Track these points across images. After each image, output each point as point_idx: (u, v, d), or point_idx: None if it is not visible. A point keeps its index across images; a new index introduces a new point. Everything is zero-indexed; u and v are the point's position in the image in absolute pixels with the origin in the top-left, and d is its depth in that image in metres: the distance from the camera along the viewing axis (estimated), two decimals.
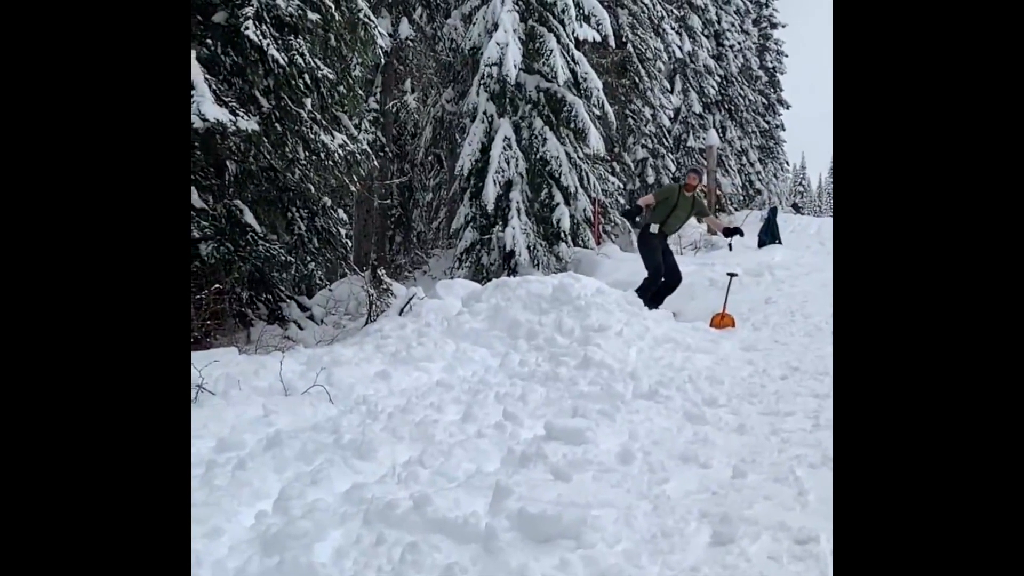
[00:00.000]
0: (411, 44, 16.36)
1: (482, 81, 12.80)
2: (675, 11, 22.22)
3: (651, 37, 17.89)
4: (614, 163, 16.80)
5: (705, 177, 8.53)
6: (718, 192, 20.48)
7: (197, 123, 6.04)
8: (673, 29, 20.93)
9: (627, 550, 2.46)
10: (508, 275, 11.40)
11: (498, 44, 12.43)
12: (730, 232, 8.71)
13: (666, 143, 21.07)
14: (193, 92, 6.08)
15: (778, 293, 8.63)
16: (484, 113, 13.10)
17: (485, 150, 13.07)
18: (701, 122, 24.11)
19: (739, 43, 28.55)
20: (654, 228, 8.32)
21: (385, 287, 8.69)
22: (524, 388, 4.65)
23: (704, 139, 21.68)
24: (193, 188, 7.11)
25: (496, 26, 12.62)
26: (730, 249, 10.18)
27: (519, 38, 12.68)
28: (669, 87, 22.26)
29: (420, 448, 3.51)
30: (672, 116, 22.27)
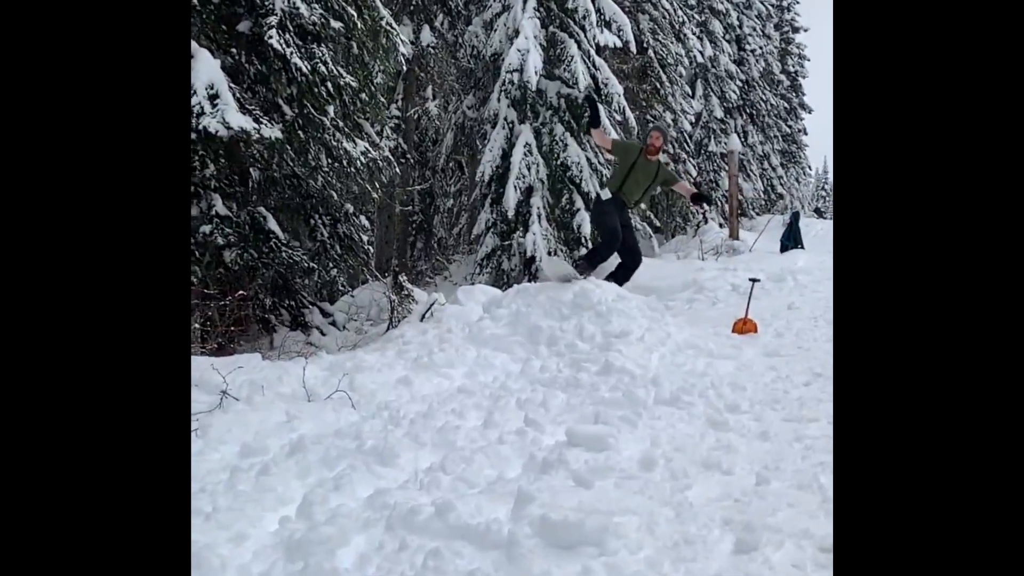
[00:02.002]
0: (433, 51, 16.45)
1: (503, 87, 12.84)
2: (696, 16, 22.14)
3: (672, 42, 17.84)
4: None
5: (667, 138, 7.57)
6: (740, 197, 20.36)
7: (221, 131, 6.12)
8: (694, 34, 20.84)
9: (649, 557, 2.45)
10: (529, 281, 11.40)
11: (519, 51, 12.46)
12: (698, 199, 7.74)
13: (687, 148, 20.99)
14: (217, 101, 6.17)
15: (801, 298, 8.56)
16: (505, 119, 13.13)
17: (506, 156, 13.09)
18: (722, 127, 23.98)
19: (761, 47, 28.39)
20: (606, 194, 7.06)
21: (406, 293, 8.74)
22: (545, 394, 4.64)
23: (725, 144, 21.56)
24: (217, 195, 7.21)
25: (517, 32, 12.66)
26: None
27: (540, 44, 12.70)
28: (690, 92, 22.17)
29: (442, 454, 3.52)
30: (693, 121, 22.16)
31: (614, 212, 6.95)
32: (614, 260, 7.29)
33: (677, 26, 18.14)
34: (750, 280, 7.99)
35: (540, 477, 3.20)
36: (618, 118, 13.77)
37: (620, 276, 7.23)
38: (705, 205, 7.87)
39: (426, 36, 16.03)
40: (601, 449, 3.51)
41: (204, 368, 4.60)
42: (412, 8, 16.01)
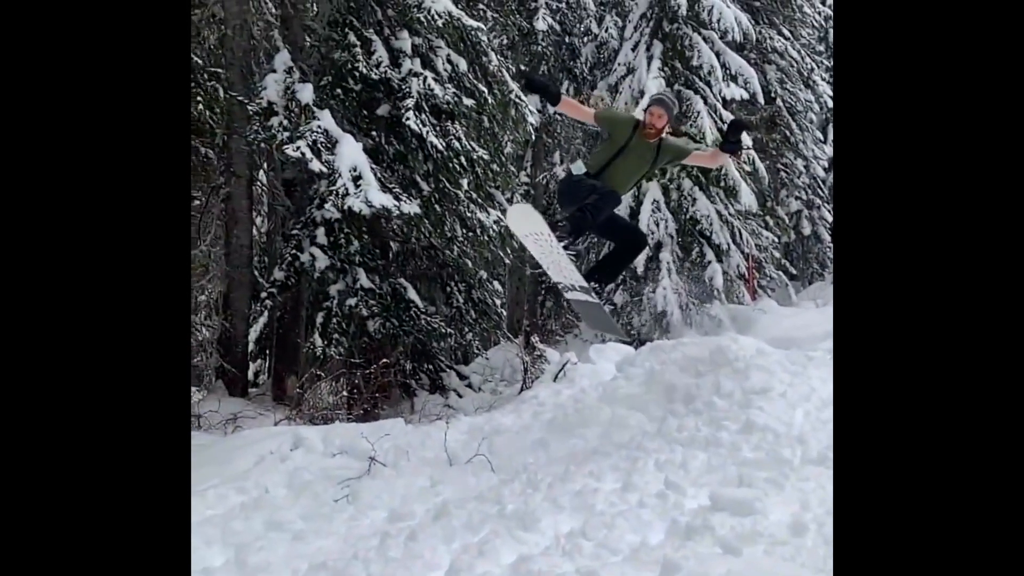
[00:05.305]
0: (559, 117, 16.86)
1: None
2: (825, 61, 21.59)
3: (800, 90, 17.47)
4: (767, 217, 16.37)
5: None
6: None
7: (364, 210, 6.57)
8: (824, 79, 20.32)
9: None
10: (660, 336, 11.27)
11: (644, 111, 12.58)
12: (736, 129, 5.16)
13: (821, 193, 20.28)
14: (360, 181, 6.63)
15: None
16: None
17: (633, 214, 13.15)
18: None
19: None
20: (578, 168, 4.99)
21: (538, 353, 8.86)
22: (684, 454, 4.55)
23: None
24: (361, 270, 7.69)
25: (642, 93, 12.80)
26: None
27: None
28: (822, 137, 21.51)
29: (582, 519, 3.52)
30: (826, 166, 21.43)
31: (582, 197, 4.78)
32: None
33: (806, 73, 17.77)
34: None
35: (685, 544, 3.14)
36: (747, 169, 13.57)
37: (622, 255, 5.44)
38: (743, 137, 4.66)
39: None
40: (747, 513, 3.41)
41: (354, 436, 4.85)
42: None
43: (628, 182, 5.12)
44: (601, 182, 4.85)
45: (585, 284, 5.03)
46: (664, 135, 5.04)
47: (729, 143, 5.04)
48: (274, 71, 8.40)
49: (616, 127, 5.08)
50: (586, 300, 5.27)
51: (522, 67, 13.91)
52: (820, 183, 20.48)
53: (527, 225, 4.89)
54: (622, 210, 13.32)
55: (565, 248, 4.76)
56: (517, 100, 8.57)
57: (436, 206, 7.94)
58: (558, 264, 4.97)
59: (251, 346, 10.91)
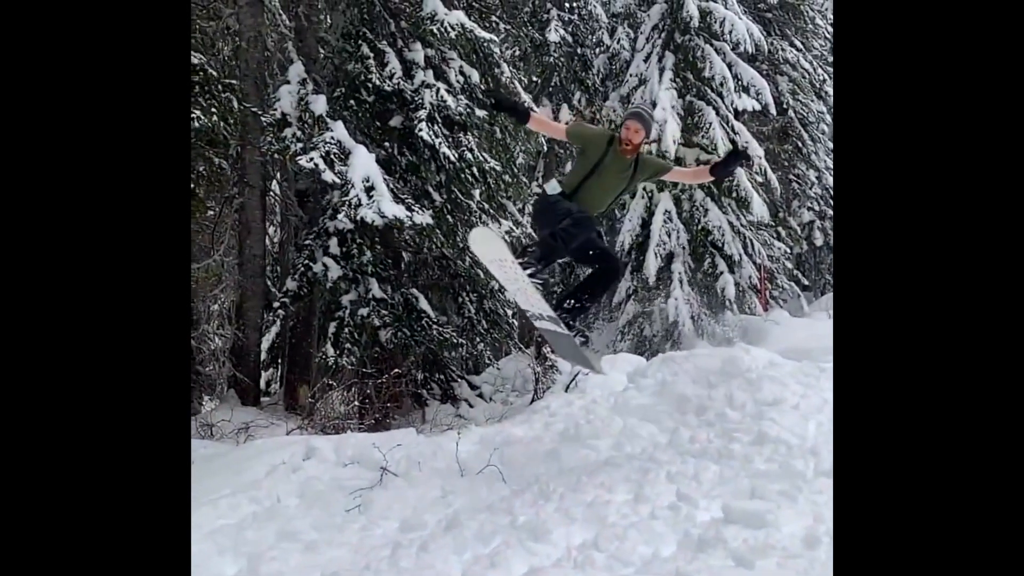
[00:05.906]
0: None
1: None
2: None
3: (813, 101, 17.45)
4: (779, 228, 16.34)
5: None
6: None
7: (377, 220, 6.61)
8: None
9: None
10: (671, 347, 11.26)
11: (657, 122, 12.62)
12: (735, 158, 5.10)
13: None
14: (373, 192, 6.68)
15: None
16: (644, 189, 13.25)
17: (645, 224, 13.18)
18: None
19: None
20: (552, 187, 4.79)
21: (550, 363, 8.86)
22: (696, 466, 4.53)
23: None
24: (373, 280, 7.73)
25: (654, 104, 12.84)
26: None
27: (677, 114, 12.82)
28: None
29: (594, 530, 3.51)
30: None
31: (556, 220, 4.60)
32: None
33: (817, 84, 17.75)
34: None
35: (697, 556, 3.13)
36: (759, 180, 13.56)
37: (599, 282, 5.14)
38: (743, 161, 4.32)
39: (564, 114, 16.52)
40: (760, 526, 3.39)
41: (366, 446, 4.86)
42: (551, 89, 16.62)
43: (605, 200, 4.90)
44: (577, 202, 4.65)
45: (553, 314, 4.76)
46: (641, 150, 4.81)
47: (722, 168, 4.85)
48: (288, 82, 8.49)
49: (589, 143, 4.83)
50: (555, 331, 4.97)
51: (534, 78, 13.95)
52: (832, 195, 20.41)
53: (490, 251, 4.64)
54: (633, 221, 13.37)
55: (531, 276, 4.49)
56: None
57: (448, 217, 8.02)
58: (524, 292, 4.69)
59: (263, 356, 10.98)
